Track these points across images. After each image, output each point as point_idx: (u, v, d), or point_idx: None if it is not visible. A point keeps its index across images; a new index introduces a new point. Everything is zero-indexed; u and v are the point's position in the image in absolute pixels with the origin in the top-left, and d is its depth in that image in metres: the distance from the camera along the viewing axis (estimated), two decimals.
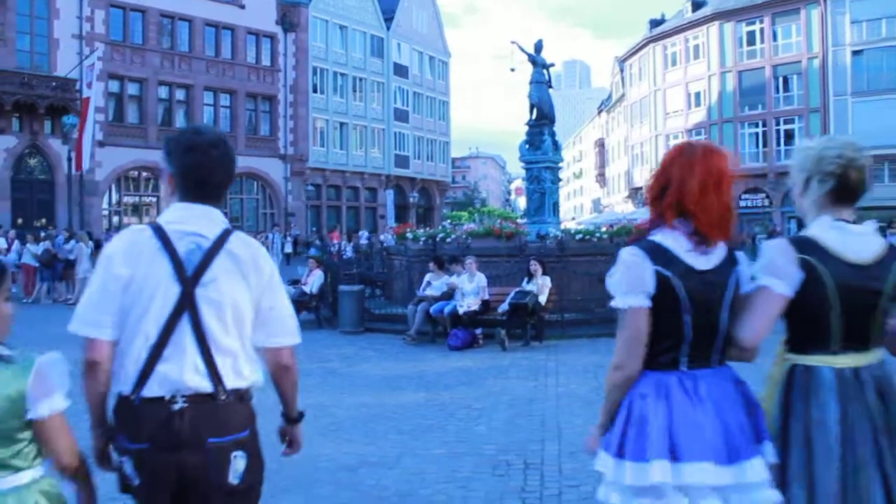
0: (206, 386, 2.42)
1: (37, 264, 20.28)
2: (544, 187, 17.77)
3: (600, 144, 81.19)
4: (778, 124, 48.71)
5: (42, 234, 22.41)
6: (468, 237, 15.35)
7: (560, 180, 18.87)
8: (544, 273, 12.71)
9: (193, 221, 2.56)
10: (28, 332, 13.84)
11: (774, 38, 48.61)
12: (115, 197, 43.15)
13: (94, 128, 36.74)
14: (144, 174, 44.09)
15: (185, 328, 2.41)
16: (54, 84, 38.27)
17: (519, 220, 64.88)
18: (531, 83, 18.43)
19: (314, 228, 48.58)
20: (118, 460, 2.44)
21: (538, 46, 18.78)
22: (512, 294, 12.31)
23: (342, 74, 53.31)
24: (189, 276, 2.44)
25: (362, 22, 54.82)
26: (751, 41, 49.61)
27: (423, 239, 15.73)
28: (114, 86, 41.65)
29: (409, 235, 16.50)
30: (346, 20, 53.58)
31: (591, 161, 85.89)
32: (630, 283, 2.53)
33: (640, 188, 59.20)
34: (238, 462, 2.43)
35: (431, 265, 13.31)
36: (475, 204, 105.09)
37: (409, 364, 10.86)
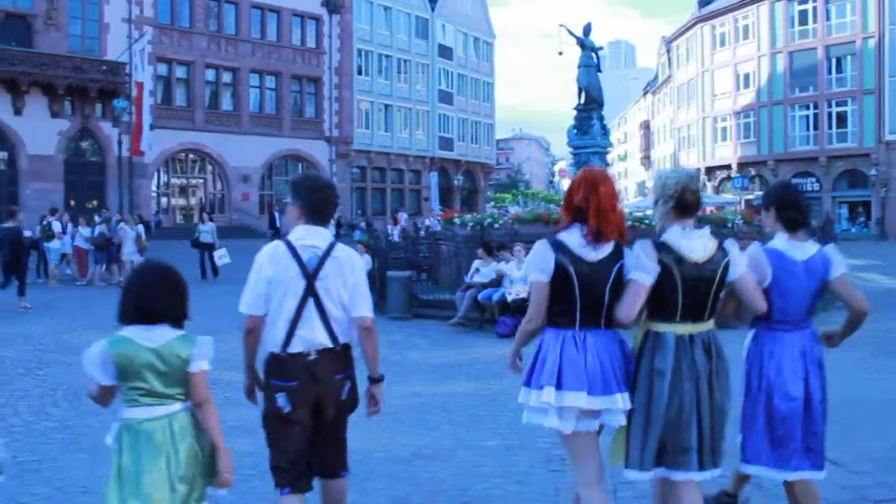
0: (328, 343, 3.77)
1: (89, 247, 20.63)
2: None
3: (646, 126, 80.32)
4: (830, 107, 47.69)
5: (97, 219, 22.76)
6: (516, 223, 15.33)
7: (609, 165, 18.74)
8: None
9: (311, 238, 3.82)
10: (81, 314, 14.17)
11: (828, 17, 47.53)
12: (163, 178, 43.79)
13: (148, 111, 37.14)
14: (192, 156, 44.67)
15: (311, 307, 3.72)
16: (104, 68, 38.86)
17: None
18: (580, 67, 18.27)
19: (359, 211, 48.83)
20: (274, 397, 3.74)
21: (587, 30, 18.60)
22: None
23: (387, 56, 53.33)
24: (310, 274, 3.75)
25: (407, 3, 54.69)
26: (803, 21, 48.56)
27: (470, 224, 15.74)
28: (162, 69, 42.15)
29: (457, 221, 16.53)
30: (391, 1, 53.51)
31: (636, 143, 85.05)
32: (537, 265, 3.60)
33: None
34: (346, 387, 3.89)
35: (480, 252, 13.32)
36: (519, 186, 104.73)
37: (459, 351, 10.92)
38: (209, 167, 45.21)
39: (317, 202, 3.88)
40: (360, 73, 51.18)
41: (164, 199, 43.91)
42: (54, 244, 20.08)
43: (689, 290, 3.59)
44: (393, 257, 15.22)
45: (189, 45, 43.21)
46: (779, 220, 4.02)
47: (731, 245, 3.75)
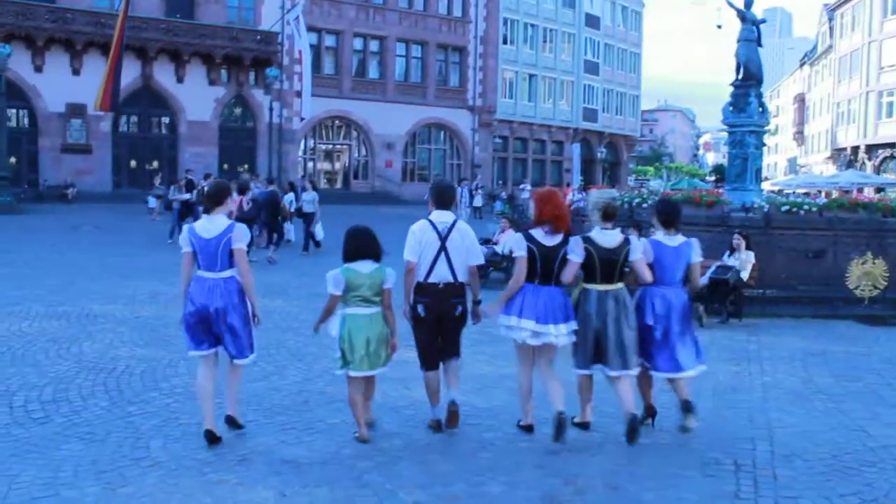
0: (450, 279, 6.07)
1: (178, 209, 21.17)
2: (747, 152, 16.83)
3: (800, 100, 76.21)
4: None
5: (184, 181, 23.28)
6: None
7: (765, 145, 17.84)
8: (748, 248, 12.10)
9: (443, 217, 6.21)
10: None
11: None
12: (310, 144, 45.03)
13: (308, 79, 37.92)
14: (337, 122, 45.71)
15: (442, 257, 6.05)
16: (258, 37, 40.20)
17: (708, 178, 62.27)
18: (739, 41, 17.38)
19: (500, 181, 48.78)
20: (417, 307, 6.10)
21: (749, 2, 17.66)
22: (713, 268, 11.80)
23: (533, 25, 52.76)
24: (442, 237, 6.09)
25: None
26: None
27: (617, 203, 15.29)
28: (312, 38, 43.09)
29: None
30: None
31: (789, 117, 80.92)
32: (519, 246, 5.98)
33: (845, 149, 55.22)
34: (459, 307, 6.11)
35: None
36: (662, 160, 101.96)
37: None
38: (354, 134, 46.16)
39: (441, 198, 6.35)
40: (505, 42, 50.87)
41: (310, 164, 45.21)
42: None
43: (603, 265, 6.02)
44: None
45: (339, 14, 44.06)
46: (658, 221, 6.45)
47: (632, 237, 6.40)
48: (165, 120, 40.26)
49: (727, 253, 12.28)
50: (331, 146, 46.36)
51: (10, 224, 24.44)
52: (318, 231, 19.64)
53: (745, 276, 11.89)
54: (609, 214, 6.11)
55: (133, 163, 39.43)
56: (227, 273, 5.81)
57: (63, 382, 7.46)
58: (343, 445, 5.91)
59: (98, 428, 6.19)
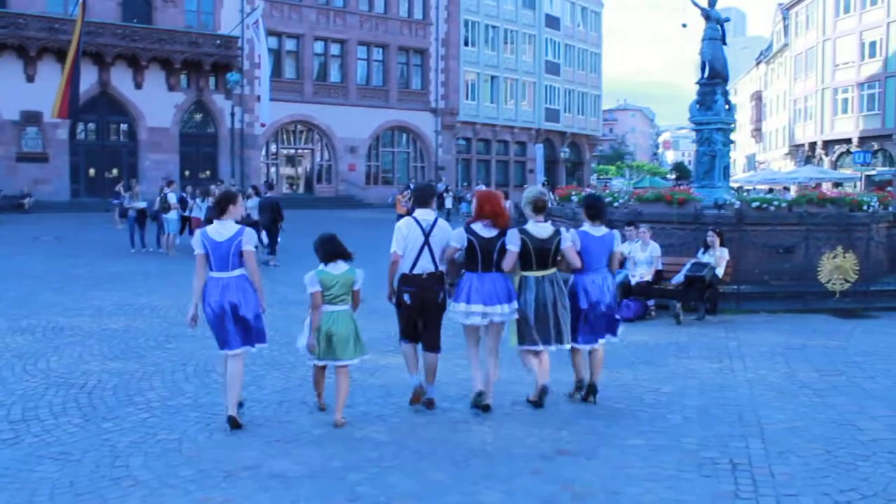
0: (432, 269, 6.74)
1: (203, 217, 20.97)
2: (715, 150, 16.89)
3: (757, 97, 77.26)
4: None
5: (214, 189, 23.10)
6: (637, 202, 14.82)
7: (732, 142, 17.92)
8: (722, 244, 12.11)
9: (425, 215, 6.84)
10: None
11: None
12: (272, 149, 44.59)
13: (268, 83, 37.56)
14: (300, 127, 45.30)
15: (426, 250, 6.70)
16: (218, 42, 39.72)
17: (668, 176, 62.94)
18: (703, 39, 17.44)
19: (465, 182, 48.69)
20: (403, 295, 6.78)
21: (713, 0, 17.76)
22: (688, 265, 11.80)
23: (493, 27, 52.81)
24: (426, 233, 6.73)
25: None
26: None
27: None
28: (272, 42, 42.72)
29: (574, 198, 16.08)
30: None
31: (747, 115, 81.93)
32: (460, 239, 6.71)
33: (802, 145, 56.00)
34: (440, 294, 6.82)
35: (630, 229, 12.84)
36: (624, 159, 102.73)
37: None
38: (317, 138, 45.80)
39: (422, 198, 7.08)
40: (466, 44, 50.84)
41: (272, 169, 44.80)
42: (171, 215, 20.45)
43: (538, 254, 6.78)
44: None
45: (299, 18, 43.69)
46: (585, 215, 7.34)
47: (563, 229, 7.08)
48: (124, 127, 39.59)
49: (701, 250, 12.28)
50: (293, 150, 45.95)
51: None
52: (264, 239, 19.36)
53: (720, 272, 11.90)
54: (539, 208, 6.96)
55: (92, 171, 38.69)
56: (237, 272, 6.41)
57: (32, 400, 7.18)
58: (331, 457, 5.73)
59: (73, 447, 5.95)
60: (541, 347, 6.85)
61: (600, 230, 7.21)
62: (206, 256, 6.34)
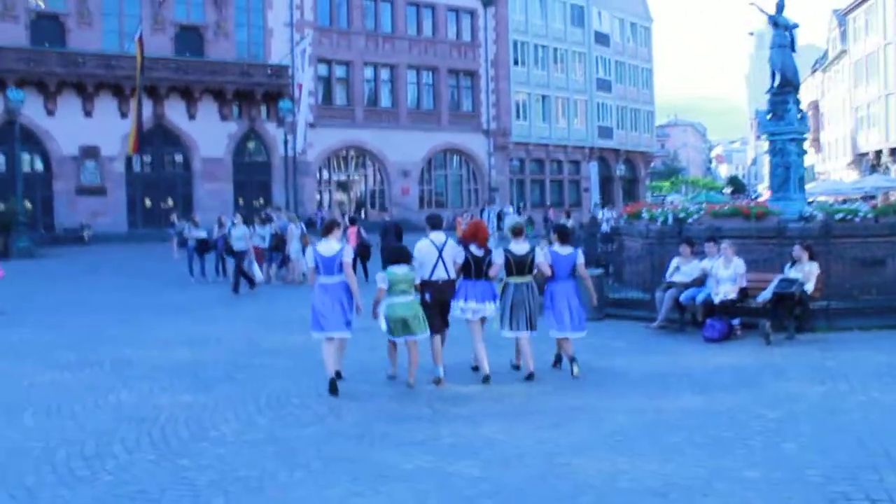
0: (446, 277, 9.03)
1: (266, 245, 20.90)
2: (789, 161, 16.22)
3: (814, 107, 75.50)
4: None
5: (264, 215, 23.11)
6: (714, 217, 14.28)
7: (805, 152, 17.25)
8: (811, 258, 11.51)
9: (438, 236, 9.09)
10: (266, 314, 14.27)
11: None
12: (325, 175, 44.75)
13: (307, 111, 38.09)
14: (352, 152, 45.44)
15: (440, 262, 8.98)
16: (269, 71, 40.11)
17: (724, 191, 61.81)
18: (772, 48, 16.85)
19: (521, 204, 48.25)
20: (424, 295, 8.95)
21: (780, 6, 17.16)
22: (775, 282, 11.22)
23: (543, 46, 52.58)
24: (440, 250, 9.02)
25: None
26: None
27: (661, 219, 14.74)
28: (322, 69, 43.07)
29: (645, 215, 15.57)
30: None
31: None
32: (458, 255, 9.08)
33: (867, 154, 54.47)
34: (452, 296, 9.12)
35: (682, 248, 12.39)
36: (679, 173, 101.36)
37: (667, 358, 10.17)
38: (369, 163, 45.88)
39: (434, 223, 9.31)
40: (516, 64, 50.64)
41: (325, 195, 44.93)
42: (239, 244, 20.39)
43: (517, 265, 9.00)
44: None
45: (348, 45, 43.93)
46: (556, 236, 9.60)
47: (537, 248, 9.50)
48: (179, 158, 40.07)
49: (788, 265, 11.70)
50: (345, 176, 46.08)
51: (29, 268, 24.09)
52: (256, 270, 19.22)
53: (809, 288, 11.30)
54: (517, 232, 9.40)
55: (148, 202, 39.20)
56: (338, 278, 8.65)
57: (105, 435, 6.95)
58: (426, 495, 5.36)
59: (150, 485, 5.68)
60: (516, 333, 9.11)
61: (566, 249, 9.43)
62: (317, 267, 8.68)
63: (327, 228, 8.92)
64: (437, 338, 9.04)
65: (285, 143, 35.84)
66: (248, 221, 22.85)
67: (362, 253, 19.30)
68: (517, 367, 9.40)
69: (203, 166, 39.57)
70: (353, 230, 20.27)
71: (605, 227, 25.65)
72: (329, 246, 8.69)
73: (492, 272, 9.07)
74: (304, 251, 20.24)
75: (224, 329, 13.02)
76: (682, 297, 11.84)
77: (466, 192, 49.10)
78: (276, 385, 8.77)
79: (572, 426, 7.04)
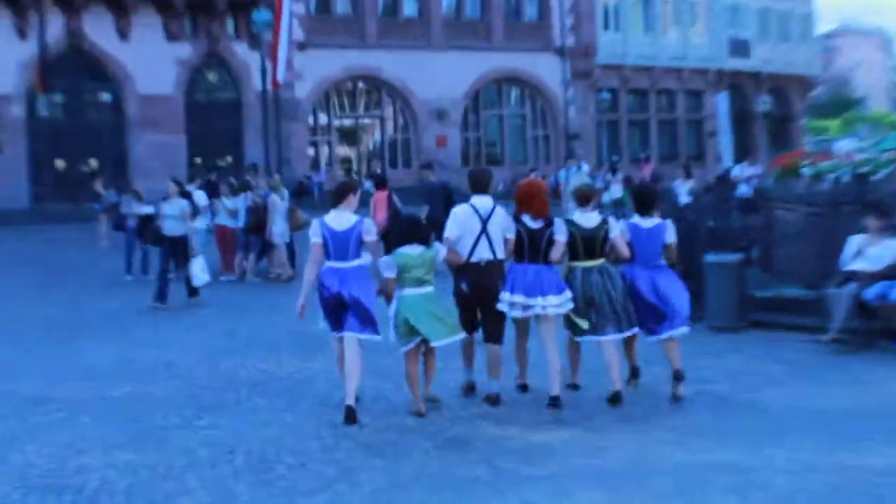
0: (492, 257, 9.79)
1: (237, 225, 20.95)
2: None
3: None
4: None
5: (235, 181, 23.16)
6: None
7: None
8: None
9: (483, 201, 9.85)
10: (239, 328, 14.33)
11: None
12: (321, 120, 44.95)
13: (290, 25, 37.90)
14: (361, 86, 45.54)
15: (483, 237, 9.74)
16: None
17: None
18: None
19: (615, 157, 47.85)
20: (460, 283, 9.82)
21: None
22: None
23: None
24: (484, 220, 9.75)
25: None
26: None
27: (835, 176, 14.59)
28: None
29: (807, 171, 15.40)
30: None
31: None
32: (509, 228, 9.86)
33: None
34: (499, 283, 9.73)
35: (869, 221, 12.21)
36: (853, 108, 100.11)
37: (849, 389, 10.16)
38: (387, 101, 46.03)
39: (478, 183, 9.93)
40: None
41: (324, 148, 45.15)
42: (199, 222, 20.44)
43: (585, 243, 9.69)
44: (715, 232, 14.57)
45: None
46: (634, 206, 10.41)
47: (611, 219, 10.15)
48: (105, 97, 40.46)
49: None
50: (353, 120, 46.20)
51: None
52: (198, 271, 17.77)
53: None
54: (581, 199, 10.05)
55: (60, 163, 39.77)
56: (356, 262, 9.31)
57: None
58: None
59: None
60: (595, 338, 9.76)
61: (650, 220, 10.01)
62: (324, 245, 9.25)
63: (339, 193, 9.59)
64: (495, 347, 9.87)
65: (262, 72, 35.89)
66: (211, 191, 22.94)
67: (396, 230, 19.23)
68: (524, 388, 10.32)
69: (142, 109, 39.93)
70: (381, 197, 20.34)
71: (743, 190, 25.48)
72: (342, 218, 9.32)
73: (554, 254, 9.70)
74: (291, 233, 20.30)
75: (179, 351, 13.13)
76: (870, 296, 11.78)
77: (532, 143, 49.14)
78: (258, 435, 8.82)
79: (707, 494, 7.00)
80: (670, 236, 9.99)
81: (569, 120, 48.90)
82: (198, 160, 40.08)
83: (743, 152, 44.48)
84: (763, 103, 57.01)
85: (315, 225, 9.41)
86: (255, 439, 8.68)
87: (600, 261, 9.70)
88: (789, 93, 61.11)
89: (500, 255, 9.74)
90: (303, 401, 10.02)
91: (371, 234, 9.41)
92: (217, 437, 8.85)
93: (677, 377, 9.75)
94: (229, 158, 40.78)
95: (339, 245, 9.20)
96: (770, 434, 8.48)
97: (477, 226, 9.60)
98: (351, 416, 8.99)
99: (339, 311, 9.19)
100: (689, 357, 11.49)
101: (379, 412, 9.43)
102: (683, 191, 25.38)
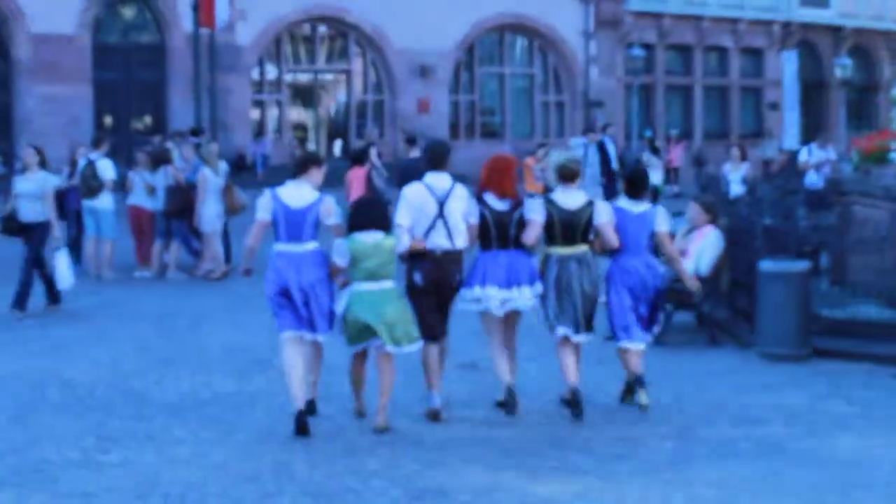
0: (449, 246, 10.68)
1: (157, 207, 20.98)
2: None
3: None
4: None
5: (154, 149, 23.06)
6: None
7: None
8: None
9: (439, 180, 10.74)
10: (151, 336, 14.39)
11: None
12: (269, 73, 44.98)
13: None
14: (322, 30, 45.57)
15: (439, 223, 10.62)
16: None
17: None
18: None
19: (649, 133, 48.05)
20: (413, 275, 10.68)
21: None
22: None
23: None
24: (441, 201, 10.63)
25: None
26: None
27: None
28: None
29: None
30: None
31: None
32: (472, 212, 10.86)
33: None
34: (458, 277, 10.88)
35: None
36: None
37: None
38: (355, 52, 46.21)
39: (436, 159, 10.75)
40: None
41: (273, 110, 45.19)
42: (104, 201, 20.47)
43: (564, 226, 10.69)
44: (771, 233, 14.62)
45: None
46: (624, 188, 11.73)
47: (597, 201, 11.48)
48: None
49: None
50: (311, 76, 46.26)
51: None
52: (63, 269, 17.43)
53: None
54: (565, 175, 10.94)
55: None
56: (310, 246, 10.09)
57: None
58: None
59: None
60: (563, 333, 10.67)
61: (639, 205, 11.22)
62: (274, 225, 10.05)
63: (302, 164, 10.47)
64: (434, 347, 10.69)
65: (194, 9, 35.98)
66: (123, 159, 22.90)
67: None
68: (570, 403, 10.83)
69: (34, 53, 39.84)
70: (357, 175, 20.64)
71: (812, 180, 25.58)
72: (300, 193, 10.18)
73: (526, 237, 10.66)
74: (225, 217, 20.30)
75: (77, 365, 13.22)
76: None
77: (541, 109, 49.30)
78: (178, 476, 8.87)
79: None
80: (660, 221, 11.18)
81: (590, 83, 48.88)
82: (107, 120, 40.07)
83: (813, 130, 44.59)
84: (842, 67, 57.16)
85: (265, 198, 10.04)
86: (175, 481, 8.72)
87: (582, 248, 10.69)
88: (877, 54, 61.17)
89: (460, 244, 10.59)
90: (237, 432, 10.05)
91: (333, 216, 10.15)
92: (125, 478, 8.88)
93: (640, 383, 10.84)
94: (148, 119, 40.73)
95: (293, 224, 9.90)
96: (834, 491, 8.54)
97: (432, 209, 10.39)
98: (303, 425, 9.71)
99: (292, 304, 9.86)
100: (737, 391, 11.73)
101: (336, 451, 9.43)
102: (735, 178, 25.43)
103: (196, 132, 25.20)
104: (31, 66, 39.98)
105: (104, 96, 41.02)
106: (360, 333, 9.94)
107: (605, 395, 11.48)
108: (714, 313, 15.15)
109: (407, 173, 19.42)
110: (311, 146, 45.78)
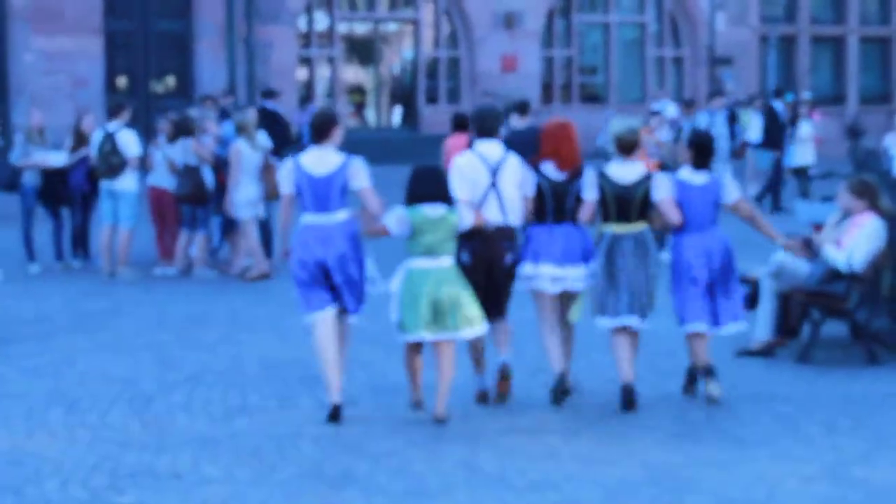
0: (501, 221, 11.91)
1: (179, 190, 21.03)
2: None
3: None
4: None
5: (177, 117, 23.11)
6: None
7: None
8: None
9: (490, 149, 12.15)
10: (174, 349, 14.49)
11: None
12: (319, 23, 45.30)
13: None
14: None
15: (493, 195, 11.89)
16: None
17: None
18: None
19: (791, 97, 47.69)
20: (460, 254, 11.63)
21: None
22: None
23: None
24: (493, 171, 11.98)
25: None
26: None
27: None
28: None
29: None
30: None
31: None
32: (527, 184, 12.19)
33: None
34: (510, 256, 12.08)
35: None
36: None
37: None
38: (423, 1, 46.67)
39: (484, 125, 12.09)
40: None
41: (322, 68, 45.38)
42: (127, 182, 20.51)
43: (619, 202, 11.89)
44: None
45: None
46: (689, 157, 12.66)
47: (657, 174, 12.69)
48: None
49: None
50: (370, 26, 46.53)
51: None
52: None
53: None
54: (623, 147, 11.83)
55: None
56: (339, 217, 10.88)
57: None
58: None
59: None
60: (614, 320, 11.75)
61: (702, 176, 12.20)
62: (300, 195, 10.90)
63: (322, 127, 11.14)
64: (503, 324, 12.08)
65: None
66: (139, 130, 23.11)
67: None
68: (622, 399, 11.81)
69: (33, 2, 40.12)
70: (457, 143, 20.32)
71: None
72: (324, 158, 11.04)
73: (583, 213, 11.80)
74: (264, 202, 20.34)
75: (86, 385, 13.36)
76: None
77: (655, 68, 49.24)
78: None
79: None
80: (730, 192, 12.31)
81: (716, 34, 48.80)
82: (121, 81, 40.39)
83: None
84: None
85: (286, 168, 11.06)
86: None
87: (639, 226, 11.76)
88: None
89: (513, 219, 11.68)
90: (280, 470, 10.03)
91: (361, 180, 10.99)
92: None
93: (710, 373, 11.88)
94: (170, 80, 41.03)
95: (319, 194, 10.77)
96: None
97: (485, 180, 11.48)
98: (335, 414, 10.87)
99: (320, 281, 10.84)
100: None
101: (397, 491, 9.37)
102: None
103: (201, 100, 25.21)
104: (28, 13, 40.35)
105: (117, 51, 41.50)
106: (420, 317, 10.71)
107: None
108: (873, 323, 14.93)
109: (517, 146, 19.53)
110: (369, 115, 46.05)
